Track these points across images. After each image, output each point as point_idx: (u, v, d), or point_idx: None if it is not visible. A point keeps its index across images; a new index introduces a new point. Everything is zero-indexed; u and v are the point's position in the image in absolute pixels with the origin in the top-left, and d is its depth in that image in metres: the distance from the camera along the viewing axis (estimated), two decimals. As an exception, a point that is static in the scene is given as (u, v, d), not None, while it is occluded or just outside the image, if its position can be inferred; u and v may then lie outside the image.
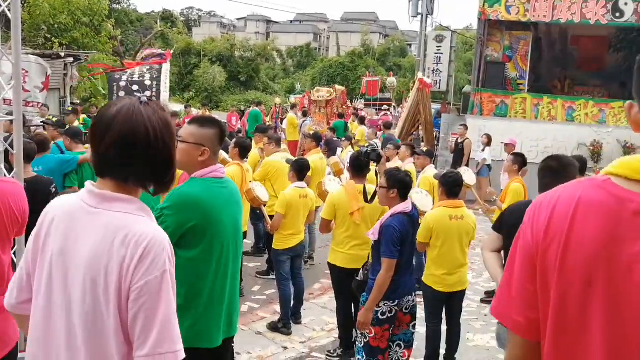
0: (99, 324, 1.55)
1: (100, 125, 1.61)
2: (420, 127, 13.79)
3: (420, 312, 5.54)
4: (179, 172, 4.55)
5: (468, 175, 6.55)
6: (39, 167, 5.43)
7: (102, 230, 1.57)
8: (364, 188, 4.59)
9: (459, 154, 12.07)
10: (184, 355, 1.58)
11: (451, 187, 4.69)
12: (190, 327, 2.66)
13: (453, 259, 4.62)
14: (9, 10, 3.33)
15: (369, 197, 4.44)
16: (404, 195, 4.02)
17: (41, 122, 8.39)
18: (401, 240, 3.84)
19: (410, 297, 4.03)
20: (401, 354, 4.07)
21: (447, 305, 4.76)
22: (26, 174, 5.01)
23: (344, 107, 18.90)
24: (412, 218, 4.04)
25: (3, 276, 2.45)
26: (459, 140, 12.20)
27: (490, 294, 6.69)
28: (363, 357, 3.96)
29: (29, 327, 1.68)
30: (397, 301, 3.92)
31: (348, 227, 4.79)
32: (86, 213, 1.61)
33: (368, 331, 3.89)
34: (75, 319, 1.56)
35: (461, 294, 4.80)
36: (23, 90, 11.04)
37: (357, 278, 4.27)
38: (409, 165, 7.40)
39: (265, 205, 5.80)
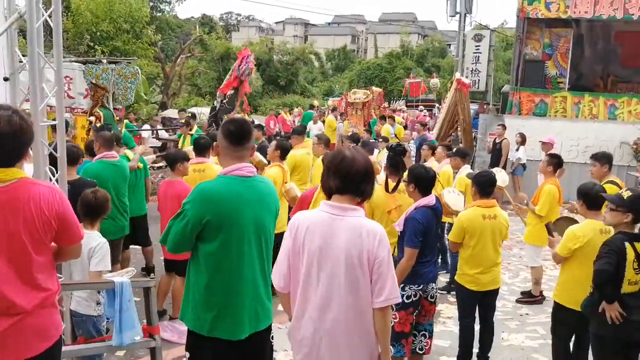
0: (357, 285, 2.57)
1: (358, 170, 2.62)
2: (459, 128, 13.65)
3: (454, 311, 5.54)
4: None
5: (500, 176, 6.47)
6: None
7: (351, 229, 2.56)
8: (386, 178, 4.82)
9: (497, 155, 11.88)
10: (400, 300, 2.75)
11: (484, 186, 4.69)
12: (213, 318, 2.84)
13: (486, 258, 4.61)
14: (51, 19, 3.49)
15: (390, 189, 4.68)
16: (423, 190, 4.25)
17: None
18: (423, 232, 4.10)
19: (434, 284, 4.24)
20: (425, 343, 4.28)
21: (480, 304, 4.75)
22: (70, 176, 5.25)
23: (380, 108, 18.88)
24: (436, 211, 4.28)
25: (31, 278, 2.49)
26: (497, 141, 12.02)
27: (525, 294, 6.60)
28: None
29: (298, 295, 2.66)
30: (422, 286, 4.14)
31: (385, 224, 4.83)
32: (334, 220, 2.59)
33: (394, 316, 4.04)
34: (339, 286, 2.57)
35: (494, 293, 4.78)
36: (67, 97, 11.52)
37: None
38: (445, 166, 7.37)
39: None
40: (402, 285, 4.05)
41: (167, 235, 2.89)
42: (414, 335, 4.23)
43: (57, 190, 2.64)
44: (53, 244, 2.62)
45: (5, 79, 3.52)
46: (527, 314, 6.17)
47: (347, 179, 2.60)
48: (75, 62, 13.06)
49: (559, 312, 4.36)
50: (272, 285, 2.90)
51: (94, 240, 3.85)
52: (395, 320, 4.08)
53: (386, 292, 2.55)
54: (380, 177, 6.09)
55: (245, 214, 2.87)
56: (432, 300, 4.26)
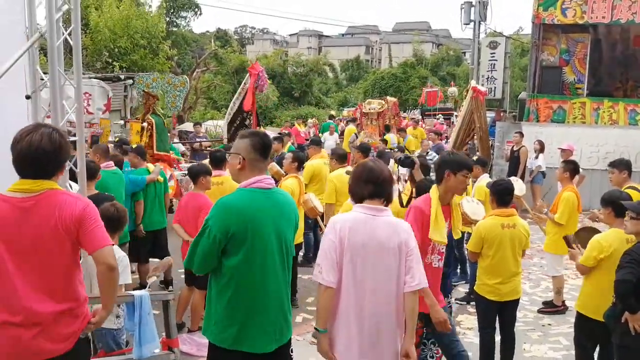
0: (397, 273, 3.00)
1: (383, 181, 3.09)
2: (475, 136, 13.55)
3: (474, 322, 5.47)
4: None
5: (518, 185, 6.40)
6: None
7: (386, 226, 3.00)
8: (399, 194, 4.82)
9: (515, 163, 11.77)
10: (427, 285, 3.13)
11: (502, 195, 4.65)
12: (237, 332, 2.84)
13: (506, 268, 4.55)
14: (70, 36, 3.55)
15: (405, 203, 4.62)
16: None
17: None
18: None
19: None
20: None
21: (501, 314, 4.69)
22: (89, 191, 5.31)
23: (396, 118, 18.83)
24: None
25: (56, 288, 2.57)
26: (514, 148, 11.91)
27: (547, 304, 6.50)
28: None
29: (343, 286, 2.98)
30: None
31: None
32: (372, 219, 2.99)
33: None
34: (382, 274, 2.97)
35: (514, 303, 4.71)
36: (87, 113, 11.69)
37: None
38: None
39: (322, 216, 5.90)
40: None
41: (192, 256, 2.88)
42: (423, 344, 4.18)
43: (83, 198, 2.71)
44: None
45: (27, 97, 3.58)
46: (549, 324, 6.08)
47: (378, 186, 3.05)
48: (94, 78, 13.29)
49: (582, 323, 4.29)
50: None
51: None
52: None
53: (418, 277, 3.01)
54: (396, 187, 6.08)
55: (268, 226, 2.88)
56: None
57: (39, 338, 2.52)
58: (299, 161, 6.50)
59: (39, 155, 2.48)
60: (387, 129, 15.68)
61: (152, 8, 22.10)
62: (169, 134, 10.54)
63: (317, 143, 8.42)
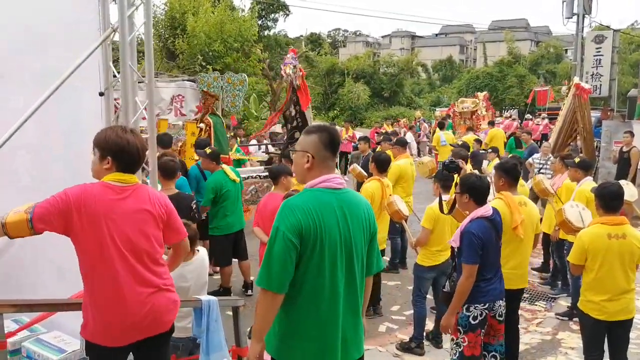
0: None
1: None
2: (578, 137, 12.57)
3: (577, 340, 4.91)
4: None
5: (628, 189, 5.69)
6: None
7: None
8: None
9: (625, 165, 10.75)
10: None
11: (609, 200, 4.07)
12: (304, 349, 2.58)
13: (614, 283, 4.00)
14: (142, 38, 3.49)
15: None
16: (478, 200, 3.94)
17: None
18: (482, 245, 3.77)
19: (501, 301, 3.93)
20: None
21: (610, 336, 4.13)
22: (170, 190, 5.31)
23: (488, 112, 17.89)
24: (494, 222, 3.94)
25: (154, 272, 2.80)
26: (624, 149, 10.88)
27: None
28: None
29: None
30: (487, 304, 3.85)
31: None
32: None
33: (462, 340, 3.86)
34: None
35: (627, 324, 4.12)
36: (180, 114, 12.00)
37: (444, 289, 4.13)
38: (567, 180, 6.70)
39: (406, 220, 5.59)
40: (465, 305, 3.79)
41: (268, 270, 2.50)
42: (483, 357, 3.93)
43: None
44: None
45: (101, 94, 3.55)
46: (667, 347, 5.35)
47: None
48: (187, 81, 13.66)
49: None
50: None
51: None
52: (465, 344, 3.85)
53: None
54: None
55: (339, 228, 2.57)
56: (501, 318, 3.94)
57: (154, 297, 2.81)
58: (377, 162, 6.15)
59: (139, 152, 2.81)
60: (442, 126, 15.00)
61: (245, 12, 22.51)
62: (228, 136, 10.39)
63: (403, 143, 8.07)
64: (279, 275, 2.48)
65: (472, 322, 3.82)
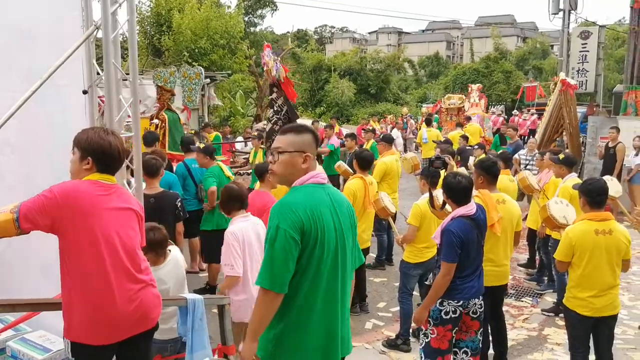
0: None
1: None
2: (564, 133, 12.65)
3: (563, 336, 4.94)
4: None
5: (613, 185, 5.72)
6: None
7: None
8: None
9: (610, 160, 10.83)
10: None
11: (595, 196, 4.08)
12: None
13: (601, 279, 4.02)
14: (126, 35, 3.44)
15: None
16: (456, 199, 3.92)
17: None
18: (461, 244, 3.76)
19: (477, 300, 3.91)
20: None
21: (595, 332, 4.15)
22: (154, 188, 5.26)
23: (481, 100, 17.74)
24: (477, 221, 3.91)
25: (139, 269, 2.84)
26: (610, 145, 10.97)
27: (650, 319, 5.81)
28: (422, 357, 3.99)
29: None
30: (461, 302, 3.85)
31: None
32: None
33: (431, 331, 3.90)
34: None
35: (612, 320, 4.15)
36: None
37: (426, 282, 4.21)
38: (552, 176, 6.73)
39: (394, 217, 5.58)
40: (440, 300, 3.82)
41: (270, 268, 2.44)
42: (454, 353, 3.95)
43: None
44: None
45: (84, 92, 3.50)
46: (652, 341, 5.40)
47: None
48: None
49: None
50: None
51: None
52: (433, 336, 3.90)
53: None
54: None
55: (331, 223, 2.57)
56: (475, 316, 3.94)
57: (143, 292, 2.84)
58: (360, 160, 6.11)
59: (120, 154, 2.85)
60: (428, 122, 14.99)
61: (231, 9, 22.39)
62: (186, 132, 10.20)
63: (389, 140, 8.05)
64: (282, 275, 2.44)
65: (444, 316, 3.85)
